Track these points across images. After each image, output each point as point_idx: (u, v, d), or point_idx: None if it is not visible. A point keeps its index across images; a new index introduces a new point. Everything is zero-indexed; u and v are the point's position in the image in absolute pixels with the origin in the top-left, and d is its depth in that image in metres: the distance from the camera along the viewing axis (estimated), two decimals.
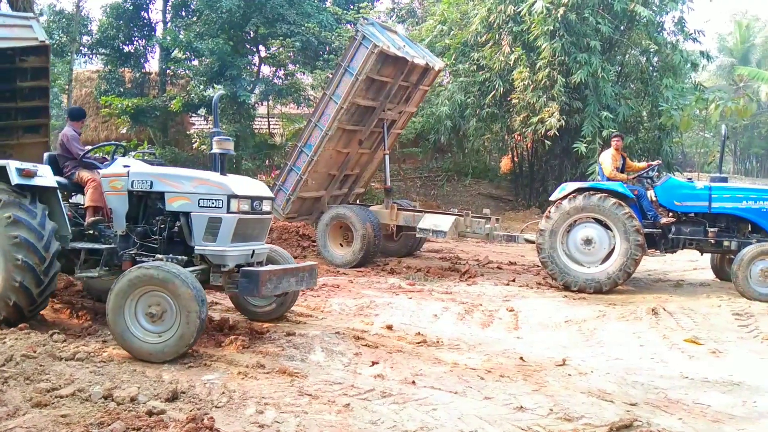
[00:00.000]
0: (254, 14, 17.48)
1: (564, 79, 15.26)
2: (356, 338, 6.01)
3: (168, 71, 20.85)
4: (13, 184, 5.70)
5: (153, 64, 22.37)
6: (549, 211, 8.87)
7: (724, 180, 9.02)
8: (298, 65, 19.64)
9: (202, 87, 18.65)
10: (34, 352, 5.08)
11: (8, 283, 5.57)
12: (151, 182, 5.85)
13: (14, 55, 8.09)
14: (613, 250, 8.51)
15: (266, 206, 6.02)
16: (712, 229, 8.51)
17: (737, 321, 6.98)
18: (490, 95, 17.00)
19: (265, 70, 20.25)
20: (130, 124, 19.83)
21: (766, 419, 4.26)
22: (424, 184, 20.90)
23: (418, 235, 10.61)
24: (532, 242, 9.51)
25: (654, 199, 8.98)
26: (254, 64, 19.86)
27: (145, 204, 6.04)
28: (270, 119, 22.12)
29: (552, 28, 14.93)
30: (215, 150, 5.72)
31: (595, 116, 15.10)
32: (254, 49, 19.80)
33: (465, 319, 7.09)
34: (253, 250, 5.90)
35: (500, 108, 17.62)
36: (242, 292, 5.65)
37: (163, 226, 5.86)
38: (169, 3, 20.88)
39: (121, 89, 20.62)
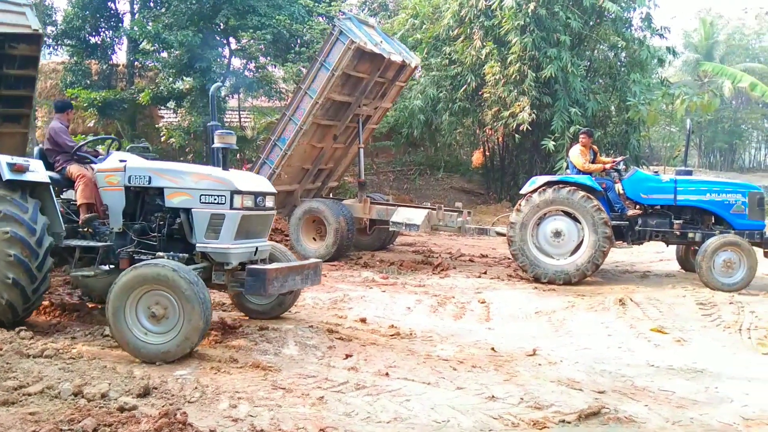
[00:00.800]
0: (224, 6, 17.26)
1: (534, 74, 15.44)
2: (330, 332, 6.02)
3: (136, 63, 20.47)
4: (3, 179, 5.47)
5: (120, 56, 21.95)
6: (519, 205, 8.99)
7: (689, 173, 9.25)
8: (269, 58, 19.46)
9: (171, 79, 18.36)
10: (1, 349, 4.99)
11: (1, 281, 5.39)
12: (150, 177, 5.65)
13: (4, 41, 7.77)
14: (581, 242, 8.68)
15: (269, 202, 5.87)
16: (677, 221, 8.72)
17: (701, 310, 7.17)
18: (462, 89, 17.12)
19: (236, 62, 20.03)
20: (97, 117, 19.43)
21: (727, 404, 4.42)
22: (396, 178, 20.97)
23: (391, 229, 10.63)
24: (503, 235, 9.63)
25: (621, 192, 9.15)
26: (224, 57, 19.61)
27: (143, 200, 5.83)
28: (241, 112, 21.90)
29: (522, 23, 15.08)
30: (216, 144, 5.51)
31: (564, 111, 15.32)
32: (224, 41, 19.54)
33: (438, 311, 7.16)
34: (257, 248, 5.73)
35: (472, 102, 17.75)
36: (249, 291, 5.49)
37: (162, 222, 5.68)
38: None
39: (88, 81, 20.16)
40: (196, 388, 4.43)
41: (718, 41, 38.73)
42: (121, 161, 5.89)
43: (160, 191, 5.65)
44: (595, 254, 8.53)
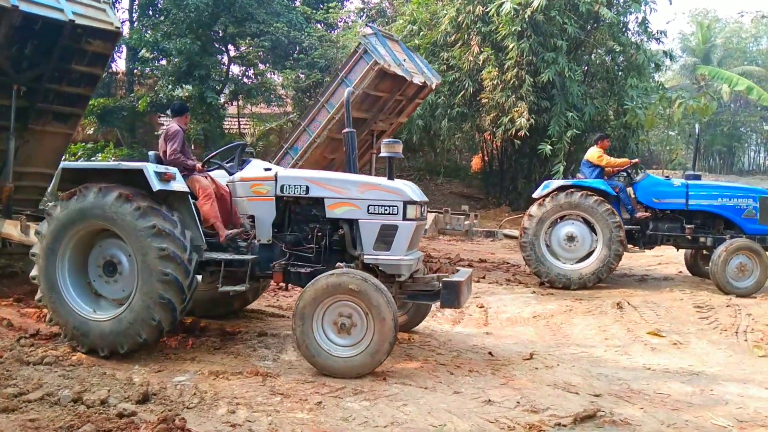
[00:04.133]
0: (223, 13, 17.37)
1: (532, 79, 15.50)
2: None
3: (135, 71, 20.57)
4: (155, 190, 5.17)
5: (120, 64, 22.05)
6: (533, 208, 8.88)
7: (698, 177, 9.29)
8: (267, 65, 19.56)
9: (170, 87, 18.45)
10: (1, 357, 5.02)
11: (153, 301, 5.08)
12: (307, 187, 5.39)
13: (83, 35, 7.58)
14: (594, 247, 8.67)
15: (426, 211, 5.74)
16: (688, 226, 8.74)
17: (698, 313, 7.20)
18: (460, 95, 17.18)
19: (235, 69, 20.12)
20: (96, 124, 19.52)
21: (722, 405, 4.45)
22: None
23: (462, 237, 10.45)
24: (512, 237, 9.61)
25: (633, 195, 9.15)
26: (223, 64, 19.71)
27: (294, 210, 5.58)
28: (240, 119, 21.99)
29: (519, 28, 15.16)
30: (384, 153, 5.33)
31: (561, 116, 15.38)
32: (223, 49, 19.66)
33: (436, 316, 7.18)
34: (418, 258, 5.57)
35: (470, 108, 17.81)
36: (444, 304, 5.22)
37: (320, 234, 5.41)
38: (136, 2, 20.59)
39: None
40: (194, 394, 4.47)
41: (715, 44, 38.79)
42: (266, 170, 5.64)
43: (318, 201, 5.41)
44: (609, 258, 8.53)
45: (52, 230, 5.37)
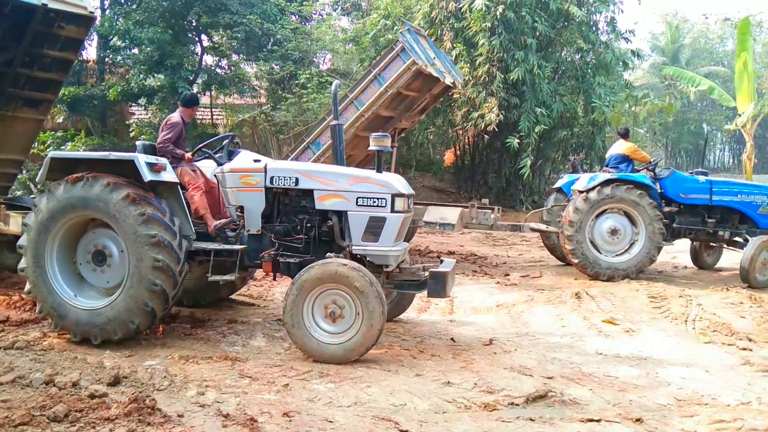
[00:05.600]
0: (196, 3, 17.29)
1: (503, 76, 15.81)
2: None
3: (106, 60, 20.33)
4: (146, 180, 5.29)
5: (91, 52, 21.74)
6: (577, 203, 8.96)
7: (705, 174, 9.68)
8: (241, 55, 19.52)
9: (141, 76, 18.30)
10: None
11: (146, 288, 5.18)
12: (297, 179, 5.49)
13: (55, 19, 7.43)
14: (634, 239, 8.92)
15: (412, 203, 5.84)
16: (710, 220, 9.19)
17: (652, 303, 7.55)
18: None
19: (208, 59, 20.03)
20: (66, 113, 19.27)
21: (664, 387, 4.75)
22: None
23: (424, 228, 10.19)
24: (537, 231, 9.71)
25: (660, 190, 9.40)
26: (196, 54, 19.61)
27: (282, 201, 5.66)
28: (213, 110, 21.90)
29: (491, 25, 15.42)
30: (373, 147, 5.44)
31: (531, 112, 15.72)
32: (196, 39, 19.55)
33: None
34: (405, 249, 5.71)
35: (443, 103, 18.04)
36: (431, 293, 5.38)
37: (309, 225, 5.52)
38: None
39: None
40: (165, 377, 4.61)
41: (683, 45, 39.71)
42: (256, 161, 5.72)
43: (307, 193, 5.51)
44: (651, 250, 8.78)
45: (40, 222, 5.40)
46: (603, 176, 9.08)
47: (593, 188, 8.91)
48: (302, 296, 5.02)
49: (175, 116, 6.13)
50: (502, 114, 15.81)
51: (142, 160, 5.33)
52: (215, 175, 6.01)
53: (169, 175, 5.52)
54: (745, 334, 6.24)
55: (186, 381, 4.56)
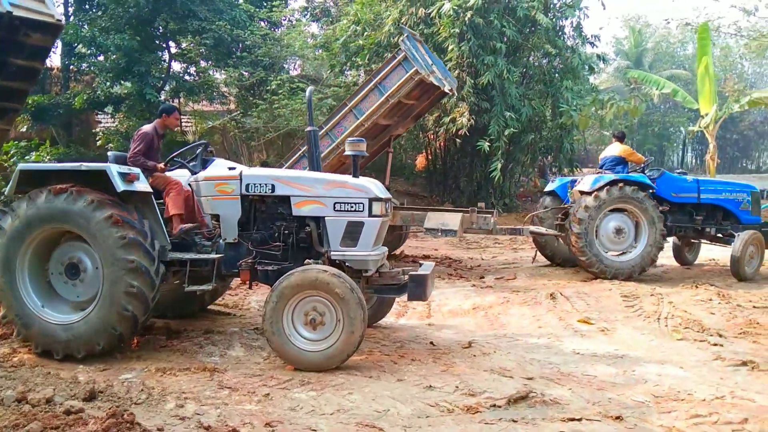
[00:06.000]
0: (163, 9, 17.05)
1: (472, 81, 15.95)
2: None
3: (71, 67, 19.91)
4: (119, 191, 5.20)
5: (55, 60, 21.26)
6: (588, 202, 9.06)
7: (685, 174, 10.07)
8: (210, 62, 19.32)
9: (108, 84, 17.97)
10: None
11: (116, 311, 5.11)
12: (273, 185, 5.44)
13: (21, 27, 7.34)
14: (638, 239, 9.12)
15: (390, 208, 5.82)
16: (697, 218, 9.52)
17: (625, 302, 7.70)
18: None
19: (176, 66, 19.77)
20: (30, 122, 18.79)
21: (642, 384, 4.84)
22: None
23: (425, 235, 10.16)
24: (537, 234, 9.85)
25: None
26: (164, 61, 19.34)
27: (259, 209, 5.61)
28: (181, 117, 21.62)
29: (459, 30, 15.56)
30: (348, 152, 5.44)
31: (500, 116, 15.89)
32: (164, 45, 19.28)
33: None
34: (383, 253, 5.68)
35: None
36: (411, 297, 5.40)
37: (287, 232, 5.48)
38: None
39: None
40: (142, 390, 4.52)
41: (646, 49, 40.64)
42: (230, 168, 5.65)
43: (284, 199, 5.46)
44: (653, 249, 9.00)
45: (15, 228, 5.27)
46: (608, 177, 9.24)
47: (601, 188, 9.06)
48: (282, 303, 4.98)
49: (147, 127, 6.06)
50: (472, 118, 15.94)
51: (114, 170, 5.25)
52: (189, 184, 5.94)
53: (142, 185, 5.44)
54: (716, 330, 6.41)
55: (164, 394, 4.48)
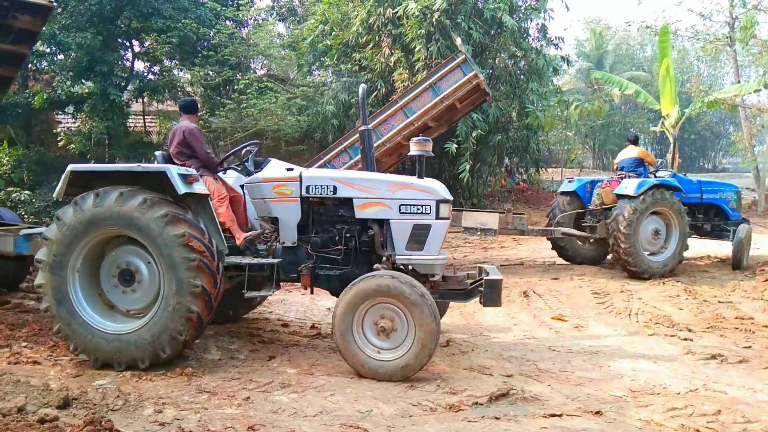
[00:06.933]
0: (126, 7, 16.65)
1: None
2: (251, 335, 6.11)
3: (30, 66, 19.28)
4: (180, 193, 4.97)
5: None
6: (635, 205, 9.24)
7: (674, 175, 10.37)
8: (175, 61, 18.96)
9: (69, 83, 17.47)
10: None
11: (186, 292, 4.84)
12: (334, 187, 5.24)
13: (9, 8, 6.73)
14: (671, 239, 9.51)
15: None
16: (699, 216, 10.20)
17: (596, 299, 7.86)
18: (373, 95, 17.47)
19: (139, 65, 19.36)
20: None
21: (618, 379, 4.95)
22: None
23: (463, 233, 10.26)
24: (570, 235, 10.01)
25: None
26: (127, 60, 18.91)
27: (317, 211, 5.41)
28: (146, 117, 21.18)
29: (426, 32, 15.64)
30: (414, 152, 5.18)
31: (468, 117, 16.02)
32: (127, 44, 18.85)
33: None
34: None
35: (383, 108, 18.14)
36: (486, 303, 5.15)
37: (348, 235, 5.28)
38: None
39: None
40: (118, 396, 4.41)
41: (607, 51, 41.58)
42: (288, 170, 5.44)
43: (346, 201, 5.27)
44: (681, 249, 9.44)
45: (66, 235, 5.02)
46: (651, 181, 9.54)
47: (644, 192, 9.32)
48: (352, 311, 4.77)
49: (191, 125, 5.78)
50: None
51: (174, 171, 5.02)
52: (241, 186, 5.75)
53: (200, 187, 5.23)
54: (685, 325, 6.59)
55: (141, 399, 4.38)
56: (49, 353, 5.45)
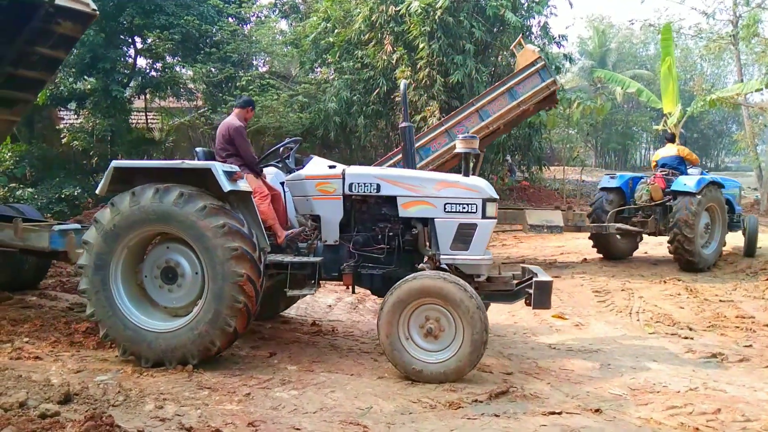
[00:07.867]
0: (129, 4, 16.69)
1: (443, 79, 16.03)
2: (252, 332, 6.12)
3: None
4: (225, 191, 4.92)
5: None
6: (699, 201, 9.43)
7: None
8: (177, 58, 18.98)
9: (71, 79, 17.51)
10: None
11: (227, 305, 4.83)
12: (378, 185, 5.15)
13: (55, 14, 6.74)
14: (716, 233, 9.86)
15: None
16: None
17: (597, 297, 7.86)
18: (375, 93, 17.48)
19: (141, 62, 19.39)
20: None
21: (618, 377, 4.96)
22: None
23: (528, 231, 10.24)
24: (624, 230, 10.09)
25: None
26: (129, 56, 18.94)
27: (360, 209, 5.34)
28: (148, 113, 21.20)
29: (429, 29, 15.63)
30: (460, 149, 5.09)
31: None
32: (129, 41, 18.88)
33: (357, 308, 7.42)
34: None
35: (385, 105, 18.15)
36: (536, 305, 4.98)
37: (391, 234, 5.20)
38: None
39: None
40: (119, 392, 4.42)
41: (610, 49, 41.46)
42: (331, 167, 5.38)
43: (389, 200, 5.19)
44: (722, 242, 9.81)
45: (105, 236, 4.99)
46: (708, 178, 9.80)
47: (703, 189, 9.52)
48: (399, 311, 4.68)
49: (237, 122, 5.75)
50: (443, 116, 16.02)
51: (219, 169, 4.97)
52: (281, 183, 5.74)
53: (244, 184, 5.17)
54: (686, 323, 6.59)
55: (142, 395, 4.40)
56: (51, 349, 5.48)
